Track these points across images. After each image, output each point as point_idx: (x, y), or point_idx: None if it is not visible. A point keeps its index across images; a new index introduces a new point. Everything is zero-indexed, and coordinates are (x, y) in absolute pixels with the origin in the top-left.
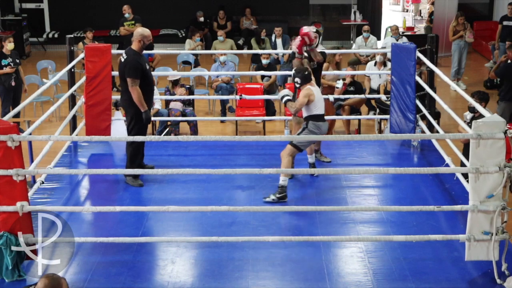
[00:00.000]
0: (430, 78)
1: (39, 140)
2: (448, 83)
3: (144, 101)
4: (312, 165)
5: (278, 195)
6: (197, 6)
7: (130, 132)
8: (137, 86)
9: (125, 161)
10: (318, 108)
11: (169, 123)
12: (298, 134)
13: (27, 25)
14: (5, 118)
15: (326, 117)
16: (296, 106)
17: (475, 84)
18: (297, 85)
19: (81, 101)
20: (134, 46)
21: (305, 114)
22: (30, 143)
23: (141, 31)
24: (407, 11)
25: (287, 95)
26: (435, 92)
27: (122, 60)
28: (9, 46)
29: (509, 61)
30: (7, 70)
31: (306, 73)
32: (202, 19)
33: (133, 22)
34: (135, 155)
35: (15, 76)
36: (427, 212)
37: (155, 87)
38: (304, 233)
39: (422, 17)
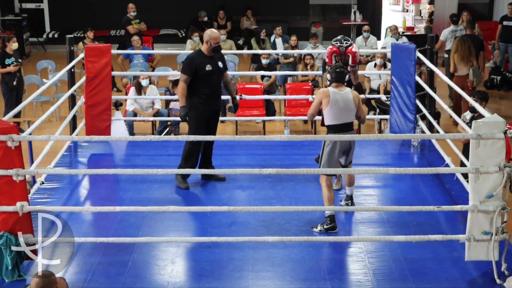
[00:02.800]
0: (430, 78)
1: (39, 140)
2: (448, 83)
3: (203, 104)
4: (349, 198)
5: (326, 226)
6: (197, 6)
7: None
8: (183, 82)
9: (124, 161)
10: (336, 117)
11: (169, 123)
12: (322, 148)
13: (27, 25)
14: (5, 118)
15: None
16: (310, 110)
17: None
18: (327, 82)
19: (81, 101)
20: (202, 47)
21: (326, 121)
22: (30, 143)
23: (209, 32)
24: (407, 11)
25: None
26: (435, 92)
27: None
28: (13, 46)
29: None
30: (11, 68)
31: (338, 70)
32: (206, 19)
33: (138, 20)
34: (191, 154)
35: (18, 76)
36: (427, 212)
37: (154, 87)
38: (304, 233)
39: (422, 17)
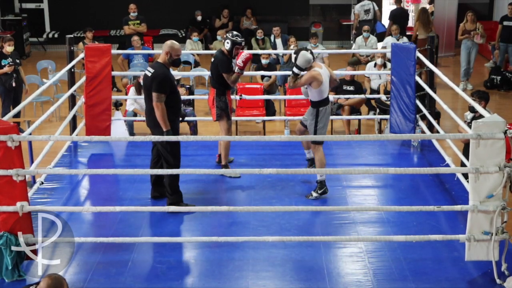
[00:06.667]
0: (430, 78)
1: (39, 140)
2: (447, 83)
3: (169, 121)
4: (311, 161)
5: (319, 191)
6: (197, 6)
7: (167, 156)
8: (162, 103)
9: (124, 161)
10: (324, 92)
11: None
12: (315, 125)
13: (27, 25)
14: (5, 118)
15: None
16: (300, 83)
17: (475, 84)
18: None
19: (81, 101)
20: (161, 58)
21: (316, 98)
22: (30, 143)
23: (170, 43)
24: None
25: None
26: (435, 92)
27: (149, 74)
28: (8, 49)
29: None
30: (5, 69)
31: (310, 51)
32: (200, 18)
33: (138, 21)
34: (176, 180)
35: (15, 77)
36: (427, 212)
37: None
38: (304, 233)
39: None
